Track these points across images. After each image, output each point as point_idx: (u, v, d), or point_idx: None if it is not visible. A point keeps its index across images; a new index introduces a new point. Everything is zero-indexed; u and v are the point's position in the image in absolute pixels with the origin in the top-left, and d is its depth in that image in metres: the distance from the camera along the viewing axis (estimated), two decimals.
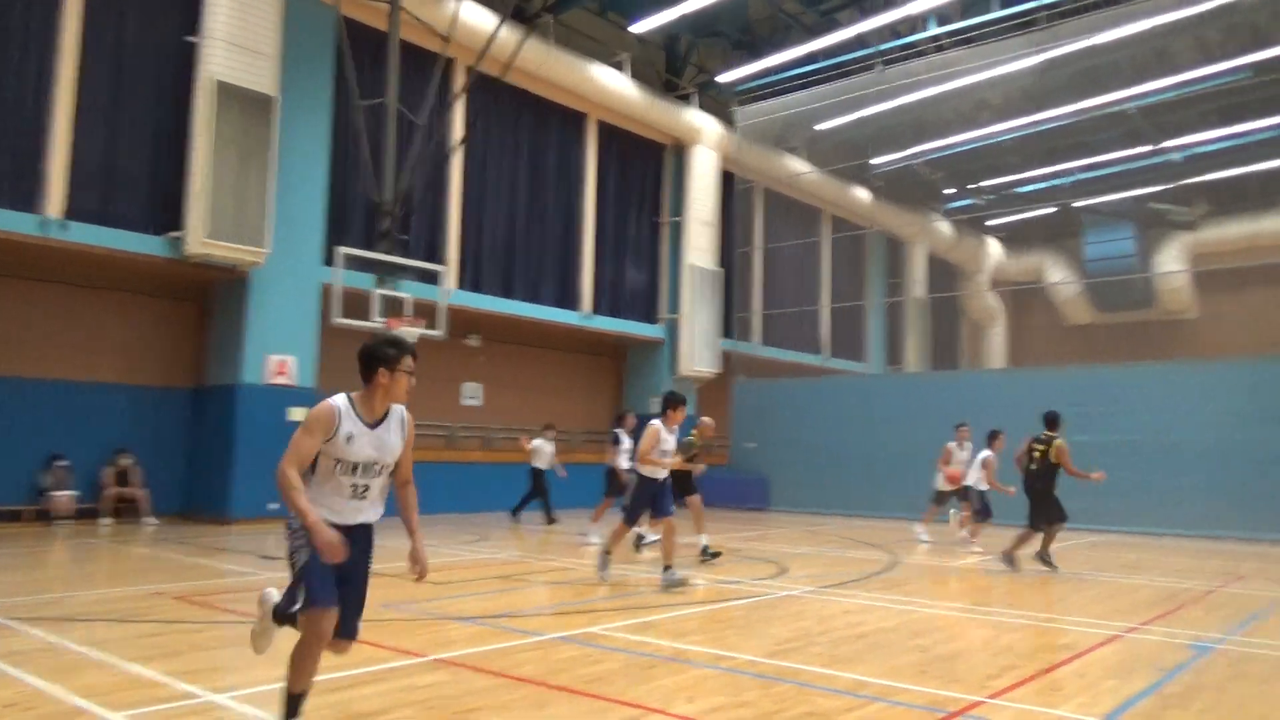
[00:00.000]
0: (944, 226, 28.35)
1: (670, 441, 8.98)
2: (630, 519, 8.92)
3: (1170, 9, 17.92)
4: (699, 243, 21.77)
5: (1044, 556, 10.41)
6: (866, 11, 20.33)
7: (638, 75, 20.53)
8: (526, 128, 19.19)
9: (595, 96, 19.62)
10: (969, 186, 28.06)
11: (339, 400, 3.89)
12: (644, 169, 22.02)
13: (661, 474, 8.90)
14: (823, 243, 26.63)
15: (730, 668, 5.57)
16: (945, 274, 29.74)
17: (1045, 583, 9.82)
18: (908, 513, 17.65)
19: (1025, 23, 19.37)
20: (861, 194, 25.87)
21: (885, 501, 18.51)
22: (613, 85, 19.67)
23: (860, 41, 20.77)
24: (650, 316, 21.72)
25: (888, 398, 20.44)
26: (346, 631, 3.95)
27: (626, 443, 12.71)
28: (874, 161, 24.63)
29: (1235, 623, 7.58)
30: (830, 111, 21.95)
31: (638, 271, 21.72)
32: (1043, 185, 26.95)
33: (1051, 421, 10.45)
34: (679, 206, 21.99)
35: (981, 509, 12.78)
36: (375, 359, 3.92)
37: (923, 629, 6.99)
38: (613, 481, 12.78)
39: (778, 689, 5.10)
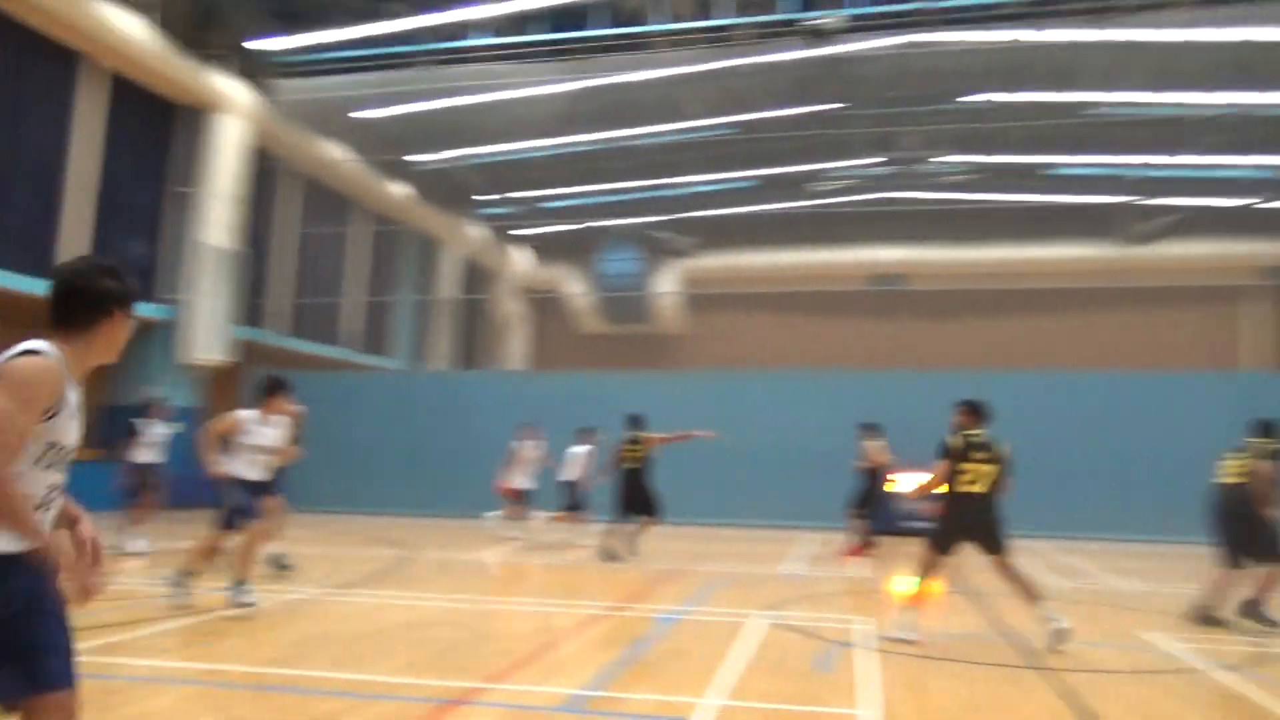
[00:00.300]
0: (477, 231, 29.32)
1: (268, 435, 7.76)
2: (231, 525, 7.52)
3: (681, 64, 20.55)
4: (217, 219, 19.88)
5: (614, 551, 11.53)
6: (416, 6, 20.30)
7: (169, 26, 18.20)
8: None
9: (98, 35, 16.95)
10: (502, 195, 29.38)
11: (54, 354, 2.56)
12: (157, 130, 19.56)
13: (256, 474, 7.71)
14: (357, 234, 26.00)
15: (222, 683, 5.17)
16: (476, 277, 30.78)
17: (562, 570, 10.61)
18: (441, 509, 17.92)
19: (563, 50, 20.85)
20: (398, 189, 25.73)
21: (417, 499, 18.60)
22: (122, 27, 17.16)
23: (409, 37, 20.68)
24: (148, 294, 19.27)
25: (417, 395, 20.58)
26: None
27: (154, 433, 11.26)
28: (412, 159, 24.67)
29: (694, 596, 8.87)
30: (372, 101, 21.51)
31: (137, 242, 19.18)
32: (568, 203, 29.17)
33: (635, 422, 12.08)
34: (197, 177, 19.90)
35: (575, 504, 13.67)
36: (102, 295, 2.65)
37: (435, 623, 7.13)
38: (132, 479, 11.16)
39: (275, 700, 4.84)
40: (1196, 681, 5.74)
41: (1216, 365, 26.54)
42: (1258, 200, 26.65)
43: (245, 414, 7.72)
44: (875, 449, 13.01)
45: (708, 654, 6.13)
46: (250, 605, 7.21)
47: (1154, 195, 25.71)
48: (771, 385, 19.17)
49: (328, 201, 24.61)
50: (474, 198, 29.16)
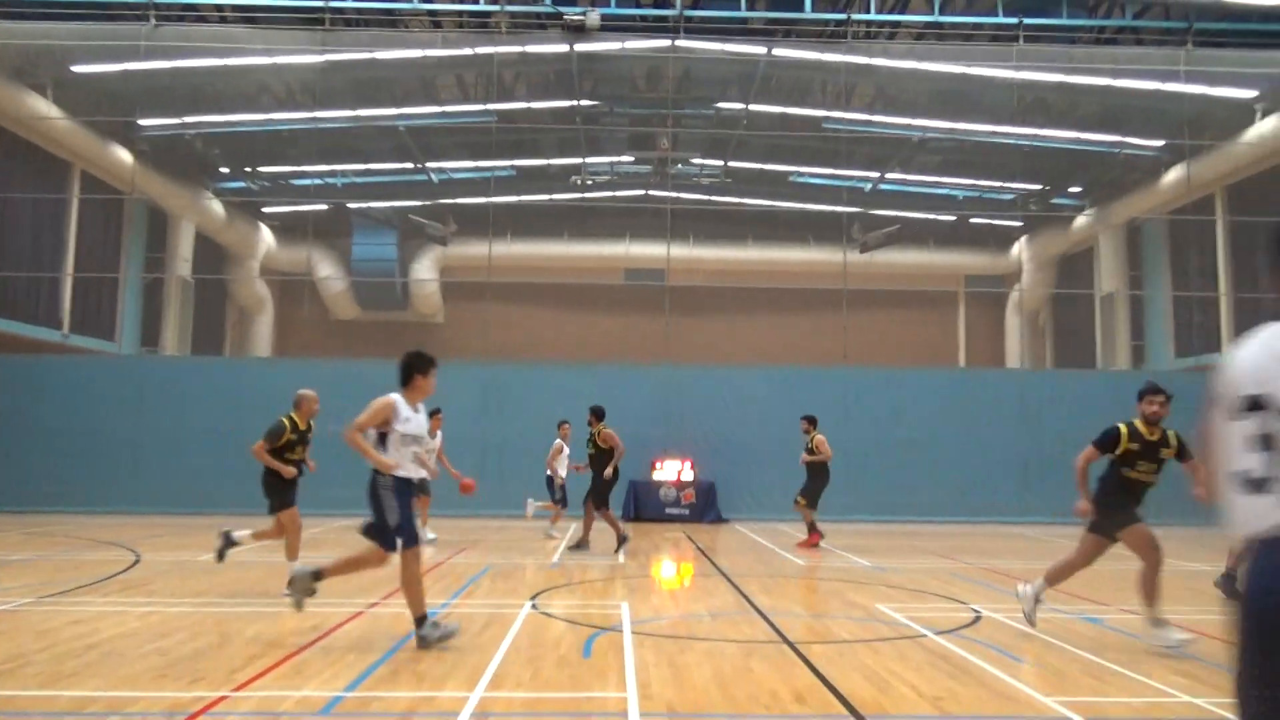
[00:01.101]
0: (216, 206, 27.10)
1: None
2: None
3: (437, 46, 20.05)
4: None
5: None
6: None
7: None
8: None
9: None
10: (245, 169, 27.34)
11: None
12: None
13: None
14: (71, 202, 23.19)
15: None
16: (214, 256, 28.45)
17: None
18: (170, 507, 16.52)
19: (310, 19, 19.70)
20: (123, 155, 23.23)
21: (144, 495, 16.97)
22: None
23: None
24: None
25: (144, 382, 18.74)
26: None
27: None
28: (141, 122, 22.37)
29: (456, 589, 8.74)
30: (94, 55, 19.30)
31: None
32: (318, 181, 27.65)
33: (597, 413, 12.17)
34: None
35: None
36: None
37: (166, 630, 6.54)
38: None
39: None
40: (922, 646, 6.40)
41: (939, 362, 29.72)
42: (967, 216, 30.08)
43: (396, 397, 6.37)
44: (823, 441, 13.11)
45: (474, 647, 6.07)
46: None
47: (875, 207, 28.28)
48: (531, 377, 19.25)
49: (36, 163, 21.76)
50: (217, 170, 26.98)
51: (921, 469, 18.42)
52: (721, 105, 23.67)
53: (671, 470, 18.00)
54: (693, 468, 18.07)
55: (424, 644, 5.99)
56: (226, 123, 23.06)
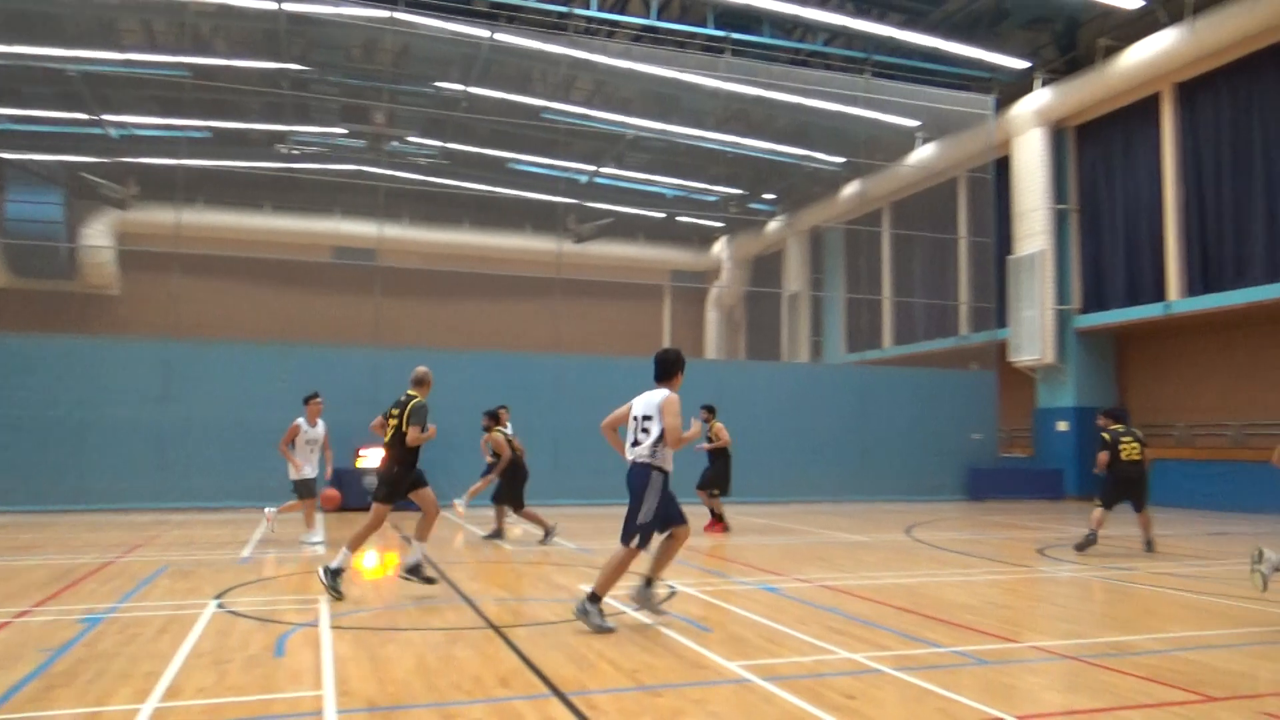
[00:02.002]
0: None
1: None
2: None
3: None
4: None
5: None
6: None
7: None
8: None
9: None
10: None
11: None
12: None
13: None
14: None
15: None
16: None
17: None
18: None
19: None
20: None
21: None
22: None
23: None
24: None
25: None
26: None
27: None
28: None
29: (126, 590, 7.90)
30: None
31: None
32: None
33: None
34: None
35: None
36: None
37: None
38: None
39: None
40: (621, 623, 6.67)
41: (645, 351, 30.99)
42: (674, 214, 31.67)
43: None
44: (722, 429, 13.35)
45: (147, 654, 5.53)
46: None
47: (590, 200, 29.05)
48: (218, 356, 17.78)
49: None
50: None
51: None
52: (442, 85, 23.17)
53: (377, 457, 17.37)
54: None
55: None
56: None
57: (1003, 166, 23.27)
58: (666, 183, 29.53)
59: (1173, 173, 19.89)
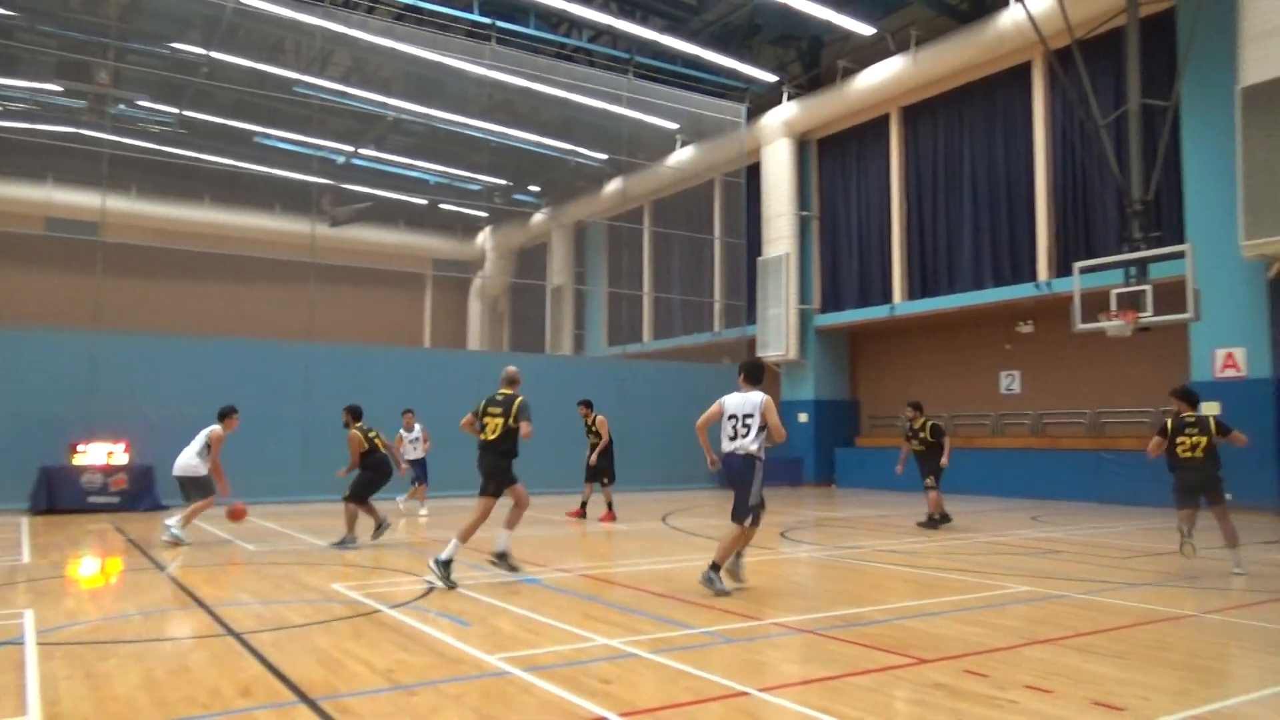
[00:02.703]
0: None
1: None
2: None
3: None
4: None
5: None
6: None
7: None
8: None
9: None
10: None
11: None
12: None
13: None
14: None
15: None
16: None
17: None
18: None
19: None
20: None
21: None
22: None
23: None
24: None
25: None
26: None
27: None
28: None
29: None
30: None
31: None
32: None
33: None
34: None
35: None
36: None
37: None
38: None
39: None
40: (377, 622, 6.43)
41: (406, 341, 30.00)
42: (436, 202, 30.92)
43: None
44: (603, 421, 14.20)
45: None
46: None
47: (347, 181, 27.79)
48: None
49: None
50: None
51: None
52: (178, 46, 21.22)
53: (98, 453, 15.69)
54: (127, 450, 15.96)
55: None
56: None
57: (755, 172, 24.67)
58: (429, 169, 28.77)
59: (898, 188, 22.00)
